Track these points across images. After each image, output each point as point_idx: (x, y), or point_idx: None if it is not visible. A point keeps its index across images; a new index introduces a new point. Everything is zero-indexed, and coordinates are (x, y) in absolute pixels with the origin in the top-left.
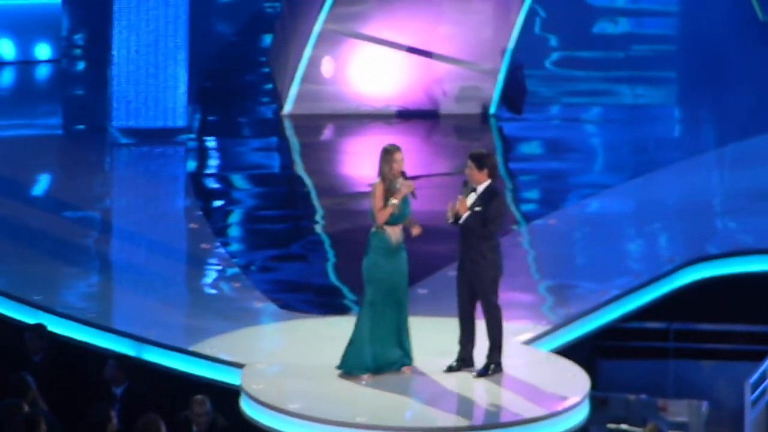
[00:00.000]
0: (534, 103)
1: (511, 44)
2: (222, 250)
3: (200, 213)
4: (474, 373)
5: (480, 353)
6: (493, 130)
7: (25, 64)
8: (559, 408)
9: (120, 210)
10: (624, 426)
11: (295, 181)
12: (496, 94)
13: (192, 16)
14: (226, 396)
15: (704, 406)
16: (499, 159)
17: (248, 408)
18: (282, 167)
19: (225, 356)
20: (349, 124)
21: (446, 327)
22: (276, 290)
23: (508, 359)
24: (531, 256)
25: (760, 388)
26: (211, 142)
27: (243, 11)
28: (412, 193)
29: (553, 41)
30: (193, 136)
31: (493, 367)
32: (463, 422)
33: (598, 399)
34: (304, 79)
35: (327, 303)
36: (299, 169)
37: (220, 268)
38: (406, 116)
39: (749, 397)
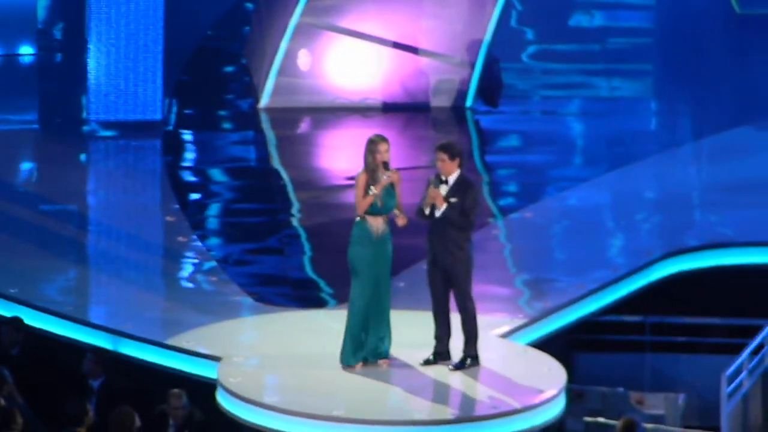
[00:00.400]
0: (510, 96)
1: (488, 37)
2: (199, 244)
3: (177, 206)
4: (450, 366)
5: (456, 346)
6: (469, 123)
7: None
8: (536, 401)
9: (96, 203)
10: (600, 419)
11: (271, 174)
12: (472, 87)
13: (168, 8)
14: (203, 389)
15: (681, 399)
16: (475, 151)
17: (225, 401)
18: (258, 160)
19: (202, 350)
20: (325, 118)
21: (423, 320)
22: (253, 283)
23: (484, 352)
24: (507, 249)
25: (736, 381)
26: (187, 135)
27: (219, 4)
28: (392, 185)
29: (530, 34)
30: (169, 129)
31: (469, 360)
32: (439, 415)
33: (574, 392)
34: (281, 72)
35: (303, 296)
36: (276, 162)
37: (196, 261)
38: (383, 109)
39: (725, 390)
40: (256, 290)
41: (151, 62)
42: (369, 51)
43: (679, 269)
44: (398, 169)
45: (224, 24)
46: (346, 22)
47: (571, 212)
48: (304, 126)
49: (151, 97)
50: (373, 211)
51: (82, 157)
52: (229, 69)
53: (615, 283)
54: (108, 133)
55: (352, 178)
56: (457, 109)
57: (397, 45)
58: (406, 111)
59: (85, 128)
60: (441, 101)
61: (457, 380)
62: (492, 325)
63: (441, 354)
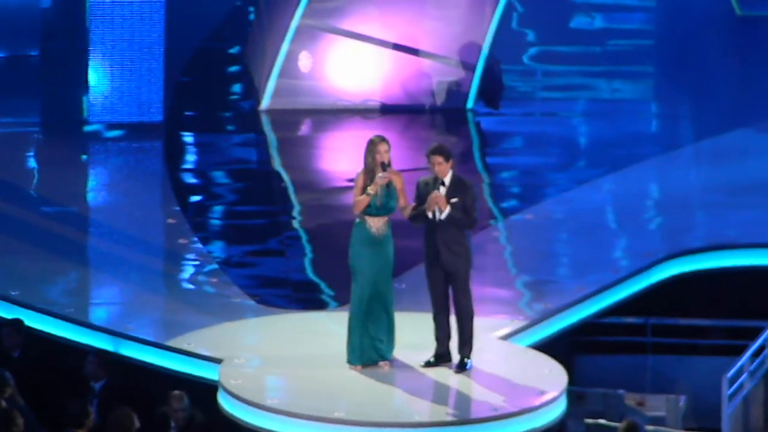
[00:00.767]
0: (511, 98)
1: (488, 39)
2: (200, 246)
3: (178, 208)
4: (454, 369)
5: (454, 347)
6: (470, 125)
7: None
8: (537, 403)
9: (97, 205)
10: (601, 421)
11: (272, 176)
12: (473, 89)
13: (168, 10)
14: (204, 391)
15: (682, 400)
16: (476, 153)
17: (226, 403)
18: (259, 162)
19: (203, 351)
20: (326, 119)
21: (425, 322)
22: (254, 285)
23: (485, 354)
24: (508, 251)
25: (737, 383)
26: (188, 137)
27: (220, 6)
28: (387, 185)
29: (531, 36)
30: (170, 131)
31: (467, 360)
32: (440, 417)
33: (575, 394)
34: (282, 74)
35: (305, 298)
36: (277, 164)
37: (197, 263)
38: (383, 111)
39: (726, 392)
40: (257, 292)
41: (151, 64)
42: (370, 53)
43: (680, 271)
44: (400, 171)
45: (225, 26)
46: (346, 24)
47: (572, 214)
48: (304, 128)
49: (152, 99)
50: (372, 211)
51: (83, 158)
52: (230, 71)
53: (616, 285)
54: (109, 135)
55: (353, 180)
56: (458, 111)
57: (397, 47)
58: (406, 113)
59: (86, 129)
60: (442, 103)
61: (457, 382)
62: (493, 327)
63: (442, 356)
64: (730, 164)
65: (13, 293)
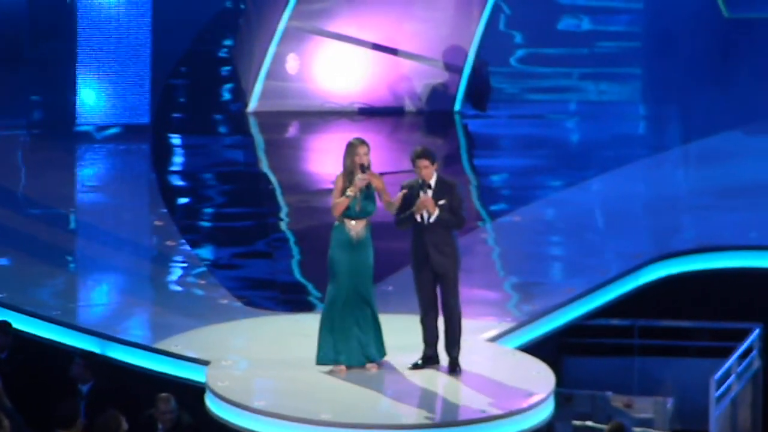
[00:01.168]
0: (499, 100)
1: (476, 41)
2: (187, 248)
3: (165, 210)
4: (446, 370)
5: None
6: (458, 127)
7: None
8: (524, 405)
9: (85, 207)
10: (589, 423)
11: (260, 178)
12: (460, 91)
13: (156, 12)
14: (192, 393)
15: (669, 402)
16: (464, 155)
17: (213, 405)
18: (247, 164)
19: (190, 353)
20: (313, 121)
21: (412, 324)
22: (241, 287)
23: (473, 356)
24: (496, 253)
25: (725, 385)
26: (175, 139)
27: (207, 8)
28: (367, 187)
29: (518, 38)
30: (157, 133)
31: (457, 362)
32: (428, 419)
33: (563, 396)
34: (269, 76)
35: (292, 300)
36: (264, 166)
37: (185, 265)
38: (370, 113)
39: (714, 394)
40: (244, 294)
41: (138, 66)
42: (357, 55)
43: (668, 273)
44: (383, 174)
45: (212, 28)
46: (334, 26)
47: (559, 216)
48: (292, 130)
49: (140, 102)
50: (351, 214)
51: (71, 160)
52: (217, 73)
53: (604, 287)
54: (97, 137)
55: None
56: (446, 113)
57: (384, 49)
58: (393, 115)
59: (74, 131)
60: (429, 105)
61: (445, 384)
62: (480, 329)
63: (430, 358)
64: (718, 166)
65: (0, 295)
